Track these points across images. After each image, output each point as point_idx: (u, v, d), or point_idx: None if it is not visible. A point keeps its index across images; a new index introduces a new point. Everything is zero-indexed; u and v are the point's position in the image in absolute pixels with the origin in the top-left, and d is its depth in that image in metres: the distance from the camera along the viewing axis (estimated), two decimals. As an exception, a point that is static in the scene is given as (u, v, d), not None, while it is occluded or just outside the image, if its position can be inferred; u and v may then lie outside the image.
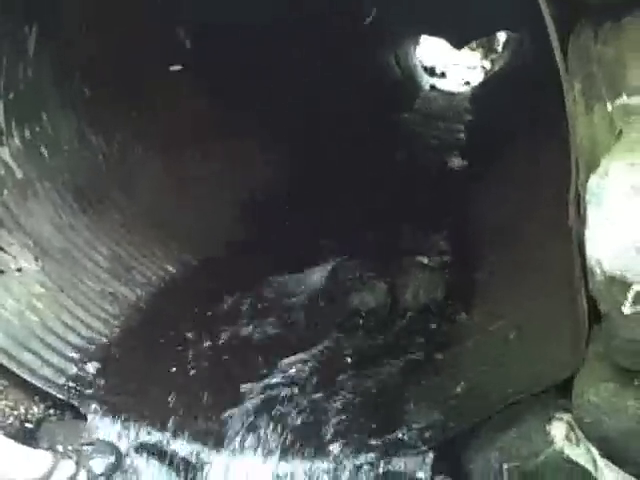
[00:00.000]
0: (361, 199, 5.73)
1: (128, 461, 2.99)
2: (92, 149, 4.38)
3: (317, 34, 7.18)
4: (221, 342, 3.71)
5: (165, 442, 3.00)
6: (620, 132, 2.36)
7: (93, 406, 3.12)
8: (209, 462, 2.96)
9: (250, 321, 3.92)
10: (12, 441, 2.83)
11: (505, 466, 2.70)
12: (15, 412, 3.09)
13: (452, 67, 15.29)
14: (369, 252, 4.70)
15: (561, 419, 2.61)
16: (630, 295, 2.09)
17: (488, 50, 16.09)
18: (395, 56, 11.81)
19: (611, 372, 2.39)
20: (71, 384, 3.22)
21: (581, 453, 2.46)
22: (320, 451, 2.95)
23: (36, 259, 3.56)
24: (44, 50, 3.87)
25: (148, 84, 4.86)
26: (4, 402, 3.08)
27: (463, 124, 9.73)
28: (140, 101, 4.82)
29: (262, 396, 3.27)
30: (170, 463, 2.98)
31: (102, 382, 3.27)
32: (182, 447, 2.98)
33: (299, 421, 3.11)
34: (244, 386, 3.32)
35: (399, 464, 2.90)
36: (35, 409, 3.15)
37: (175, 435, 3.01)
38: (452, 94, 12.65)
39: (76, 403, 3.15)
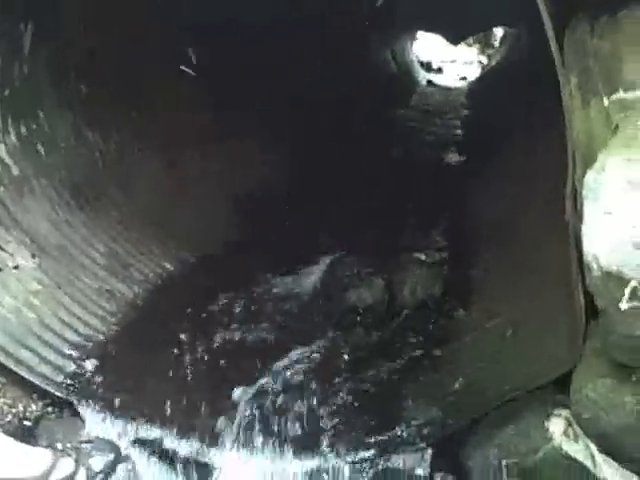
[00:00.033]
0: (358, 196, 5.74)
1: (127, 459, 2.99)
2: (89, 146, 4.37)
3: (315, 32, 7.17)
4: (218, 339, 3.70)
5: (164, 439, 3.00)
6: (616, 127, 2.36)
7: (92, 403, 3.12)
8: (208, 460, 2.96)
9: (247, 319, 3.91)
10: (11, 439, 2.83)
11: (504, 462, 2.70)
12: (13, 410, 3.08)
13: (449, 62, 15.32)
14: (366, 249, 4.70)
15: (559, 415, 2.61)
16: (627, 290, 2.09)
17: (485, 45, 16.12)
18: (392, 52, 11.81)
19: (608, 368, 2.39)
20: (69, 381, 3.22)
21: (579, 449, 2.47)
22: (318, 449, 2.95)
23: (33, 256, 3.55)
24: (40, 48, 3.86)
25: (147, 84, 4.85)
26: (2, 400, 3.08)
27: (460, 119, 9.74)
28: (139, 101, 4.81)
29: (259, 394, 3.27)
30: (169, 460, 2.98)
31: (100, 379, 3.27)
32: (180, 444, 2.98)
33: (297, 419, 3.11)
34: (241, 384, 3.32)
35: (398, 461, 2.90)
36: (34, 407, 3.15)
37: (174, 432, 3.01)
38: (449, 89, 12.67)
39: (74, 401, 3.15)
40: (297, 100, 6.63)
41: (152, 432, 3.02)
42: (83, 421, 3.09)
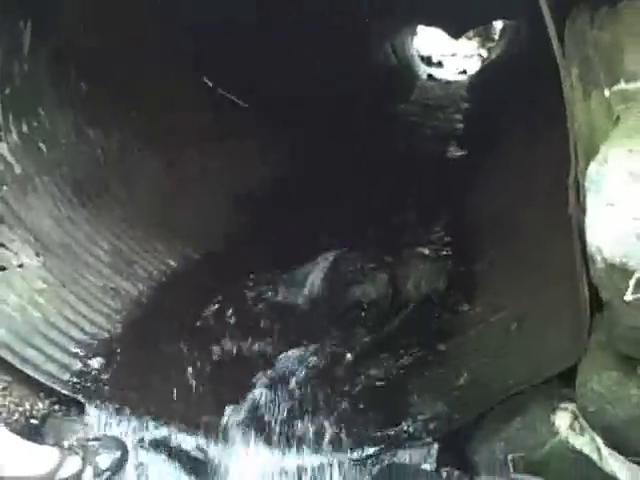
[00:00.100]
0: (360, 192, 5.73)
1: (134, 456, 2.99)
2: (90, 144, 4.38)
3: (315, 28, 7.16)
4: (223, 335, 3.71)
5: (171, 437, 3.00)
6: (618, 118, 2.36)
7: (98, 401, 3.13)
8: (214, 456, 2.97)
9: (251, 315, 3.93)
10: (18, 437, 2.83)
11: (510, 457, 2.70)
12: (20, 408, 3.08)
13: (449, 56, 15.30)
14: (369, 244, 4.70)
15: (565, 409, 2.61)
16: (632, 282, 2.09)
17: (485, 39, 16.09)
18: (392, 46, 11.80)
19: (614, 361, 2.39)
20: (75, 380, 3.22)
21: (585, 442, 2.47)
22: (324, 444, 2.96)
23: (37, 254, 3.55)
24: (40, 46, 3.87)
25: (147, 84, 4.86)
26: (9, 398, 3.08)
27: (461, 113, 9.73)
28: (138, 101, 4.81)
29: (264, 389, 3.27)
30: (176, 458, 2.98)
31: (106, 377, 3.27)
32: (187, 441, 2.99)
33: (302, 414, 3.11)
34: (245, 381, 3.33)
35: (404, 456, 2.91)
36: (40, 405, 3.15)
37: (180, 429, 3.01)
38: (449, 83, 12.65)
39: (81, 399, 3.15)
40: (297, 99, 6.62)
41: (158, 429, 3.03)
42: (90, 419, 3.10)
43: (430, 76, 13.10)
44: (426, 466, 2.88)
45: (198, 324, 3.78)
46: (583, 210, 2.30)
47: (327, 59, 7.60)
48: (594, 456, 2.42)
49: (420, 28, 13.92)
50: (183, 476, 2.97)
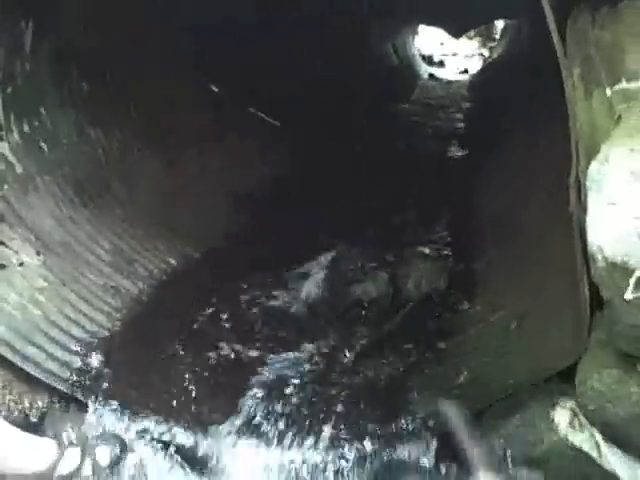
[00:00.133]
0: (360, 191, 5.73)
1: (133, 452, 3.00)
2: (91, 144, 4.39)
3: (315, 28, 7.16)
4: (223, 334, 3.72)
5: (170, 433, 3.01)
6: (619, 117, 2.36)
7: (98, 398, 3.14)
8: (212, 453, 2.97)
9: (252, 314, 3.93)
10: (19, 431, 2.84)
11: (509, 452, 2.71)
12: (19, 406, 3.09)
13: (450, 56, 15.30)
14: (370, 243, 4.70)
15: (565, 406, 2.62)
16: (632, 281, 2.09)
17: (486, 38, 16.10)
18: (393, 46, 11.80)
19: (614, 359, 2.40)
20: (75, 377, 3.23)
21: (585, 439, 2.47)
22: (323, 441, 2.96)
23: (38, 253, 3.56)
24: (41, 46, 3.87)
25: (147, 84, 4.86)
26: (8, 396, 3.09)
27: (462, 112, 9.72)
28: (139, 101, 4.82)
29: (264, 385, 3.28)
30: (174, 454, 2.99)
31: (106, 374, 3.27)
32: (186, 438, 3.00)
33: (302, 411, 3.12)
34: (245, 377, 3.34)
35: (403, 452, 2.92)
36: (39, 402, 3.16)
37: (179, 426, 3.02)
38: (450, 83, 12.65)
39: (81, 396, 3.16)
40: (297, 99, 6.63)
41: (157, 426, 3.04)
42: (89, 416, 3.10)
43: (431, 76, 13.10)
44: (425, 462, 2.88)
45: (198, 323, 3.79)
46: (584, 209, 2.30)
47: (327, 59, 7.60)
48: (593, 453, 2.42)
49: (421, 27, 13.92)
50: (181, 472, 2.98)
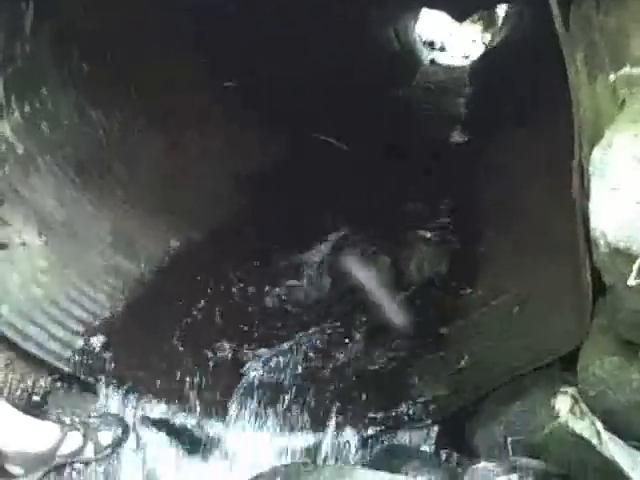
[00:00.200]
0: (363, 176, 5.72)
1: (135, 433, 3.01)
2: (92, 125, 4.37)
3: (317, 9, 7.12)
4: (224, 316, 3.73)
5: (171, 415, 3.02)
6: (623, 102, 2.36)
7: (100, 379, 3.15)
8: (214, 435, 2.98)
9: (253, 297, 3.93)
10: (21, 413, 2.85)
11: (510, 439, 2.71)
12: (22, 385, 3.10)
13: (452, 41, 15.23)
14: (372, 227, 4.69)
15: (566, 393, 2.61)
16: (635, 267, 2.08)
17: (488, 23, 16.01)
18: (395, 30, 11.74)
19: (615, 345, 2.40)
20: (77, 357, 3.25)
21: (585, 426, 2.47)
22: (324, 425, 2.97)
23: (40, 233, 3.55)
24: (42, 27, 3.85)
25: (148, 65, 4.84)
26: (11, 375, 3.10)
27: (464, 97, 9.69)
28: (140, 82, 4.80)
29: (266, 369, 3.29)
30: (176, 436, 3.00)
31: (108, 355, 3.28)
32: (188, 420, 3.01)
33: (303, 395, 3.13)
34: (248, 360, 3.35)
35: (404, 437, 2.93)
36: (42, 382, 3.17)
37: (181, 407, 3.03)
38: (452, 68, 12.60)
39: (83, 376, 3.17)
40: (298, 77, 6.61)
41: (159, 407, 3.05)
42: (92, 396, 3.12)
43: (433, 61, 13.05)
44: (425, 447, 2.89)
45: (199, 305, 3.78)
46: (587, 194, 2.30)
47: (328, 43, 7.57)
48: (594, 440, 2.42)
49: (423, 12, 13.85)
50: (183, 454, 2.99)
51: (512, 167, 5.08)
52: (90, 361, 3.24)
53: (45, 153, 3.86)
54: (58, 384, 3.20)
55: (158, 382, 3.17)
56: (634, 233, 2.08)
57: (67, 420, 2.96)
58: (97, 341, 3.34)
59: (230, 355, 3.40)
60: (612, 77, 2.44)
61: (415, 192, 5.49)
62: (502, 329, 3.23)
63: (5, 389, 3.04)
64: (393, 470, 2.65)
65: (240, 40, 5.80)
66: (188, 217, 4.52)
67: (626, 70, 2.40)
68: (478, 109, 8.40)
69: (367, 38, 9.55)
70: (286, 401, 3.07)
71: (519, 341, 3.04)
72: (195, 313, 3.72)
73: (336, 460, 2.87)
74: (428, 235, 4.63)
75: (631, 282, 2.11)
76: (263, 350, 3.42)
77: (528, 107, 5.47)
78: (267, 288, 4.04)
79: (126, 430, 3.00)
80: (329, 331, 3.60)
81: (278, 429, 2.95)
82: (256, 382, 3.20)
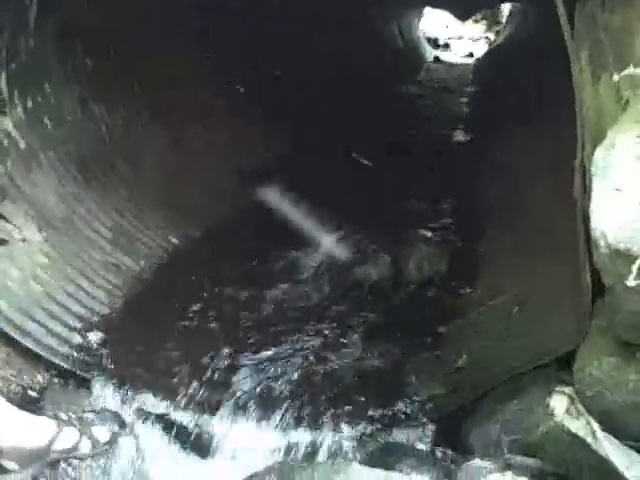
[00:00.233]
0: (365, 173, 5.71)
1: (130, 429, 3.01)
2: (95, 120, 4.38)
3: (322, 8, 7.11)
4: (222, 313, 3.72)
5: (168, 411, 3.02)
6: (627, 103, 2.35)
7: (97, 375, 3.15)
8: (210, 432, 2.98)
9: (251, 294, 3.93)
10: (17, 408, 2.84)
11: (505, 438, 2.71)
12: (19, 380, 3.10)
13: (456, 39, 15.24)
14: (373, 226, 4.68)
15: (562, 392, 2.61)
16: (634, 268, 2.08)
17: (492, 22, 16.02)
18: (399, 28, 11.74)
19: (613, 346, 2.39)
20: (75, 353, 3.25)
21: (581, 426, 2.46)
22: (321, 422, 2.97)
23: (40, 229, 3.56)
24: (45, 22, 3.85)
25: (151, 61, 4.83)
26: (8, 370, 3.09)
27: (467, 96, 9.68)
28: (143, 77, 4.79)
29: (263, 366, 3.29)
30: (173, 433, 2.99)
31: (106, 352, 3.29)
32: (185, 416, 3.00)
33: (300, 392, 3.13)
34: (246, 357, 3.34)
35: (400, 436, 2.93)
36: (39, 377, 3.16)
37: (178, 404, 3.03)
38: (455, 66, 12.59)
39: (80, 372, 3.17)
40: (302, 74, 6.60)
41: (156, 404, 3.05)
42: (88, 392, 3.11)
43: (436, 58, 13.05)
44: (422, 446, 2.89)
45: (198, 302, 3.77)
46: (588, 195, 2.29)
47: (332, 39, 7.56)
48: (589, 439, 2.42)
49: (427, 10, 13.85)
50: (179, 451, 2.98)
51: (516, 166, 5.07)
52: (87, 357, 3.24)
53: (47, 149, 3.87)
54: (55, 380, 3.19)
55: (155, 379, 3.16)
56: (634, 234, 2.07)
57: (63, 416, 2.94)
58: (95, 337, 3.34)
59: (228, 353, 3.38)
60: (616, 77, 2.43)
61: (417, 190, 5.48)
62: (501, 329, 3.23)
63: (1, 383, 3.03)
64: (388, 467, 2.65)
65: (244, 35, 5.79)
66: (190, 213, 4.52)
67: (630, 70, 2.39)
68: (482, 107, 8.40)
69: (371, 34, 9.55)
70: (283, 399, 3.07)
71: (518, 341, 3.03)
72: (193, 310, 3.70)
73: (332, 457, 2.87)
74: (429, 234, 4.62)
75: (631, 283, 2.10)
76: (261, 349, 3.41)
77: (532, 105, 5.46)
78: (268, 287, 4.03)
79: (122, 426, 3.00)
80: (326, 331, 3.59)
81: (274, 427, 2.94)
82: (253, 380, 3.19)
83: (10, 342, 3.15)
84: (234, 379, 3.19)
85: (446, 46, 14.59)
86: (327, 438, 2.89)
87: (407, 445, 2.90)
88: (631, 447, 2.38)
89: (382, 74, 8.84)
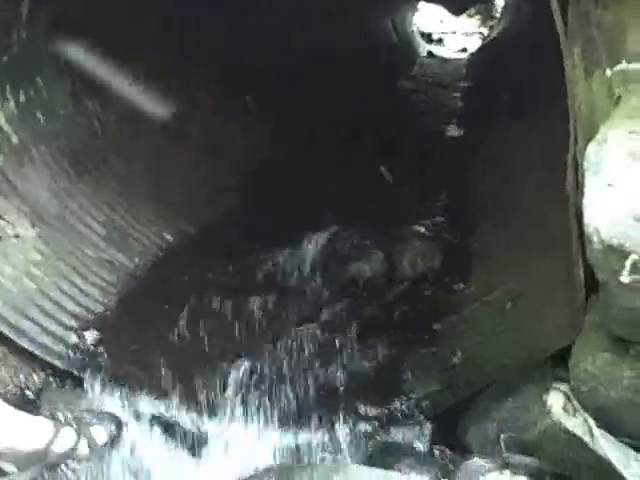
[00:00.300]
0: (357, 169, 5.70)
1: (128, 430, 3.00)
2: (88, 115, 4.36)
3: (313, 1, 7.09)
4: (218, 311, 3.71)
5: (165, 411, 3.01)
6: (619, 98, 2.36)
7: (94, 374, 3.14)
8: (208, 432, 2.97)
9: (247, 292, 3.92)
10: (13, 409, 2.82)
11: (502, 436, 2.71)
12: (15, 380, 3.09)
13: (449, 34, 15.22)
14: (366, 222, 4.67)
15: (558, 390, 2.61)
16: (628, 264, 2.09)
17: (486, 17, 16.00)
18: (392, 22, 11.71)
19: (607, 342, 2.40)
20: (71, 352, 3.24)
21: (578, 424, 2.47)
22: (319, 422, 2.97)
23: (33, 225, 3.54)
24: (38, 14, 3.83)
25: (144, 56, 4.81)
26: (4, 370, 3.08)
27: (460, 91, 9.67)
28: (133, 72, 4.77)
29: (260, 366, 3.28)
30: (171, 433, 2.99)
31: (102, 350, 3.28)
32: (181, 416, 3.00)
33: (296, 392, 3.13)
34: (241, 356, 3.34)
35: (397, 434, 2.93)
36: (35, 377, 3.16)
37: (174, 404, 3.02)
38: (449, 61, 12.58)
39: (76, 371, 3.16)
40: (295, 70, 6.58)
41: (153, 404, 3.04)
42: (85, 392, 3.10)
43: (430, 53, 13.03)
44: (419, 444, 2.89)
45: (193, 298, 3.76)
46: (581, 190, 2.29)
47: (324, 34, 7.54)
48: (586, 438, 2.42)
49: (421, 4, 13.82)
50: (178, 451, 2.98)
51: (509, 160, 5.07)
52: (84, 356, 3.24)
53: (40, 144, 3.85)
54: (51, 380, 3.19)
55: (152, 377, 3.16)
56: (627, 230, 2.08)
57: (60, 416, 2.91)
58: (91, 336, 3.33)
59: (225, 351, 3.38)
60: (608, 73, 2.44)
61: (410, 185, 5.47)
62: (495, 325, 3.23)
63: (-1, 384, 3.03)
64: (386, 467, 2.66)
65: (227, 27, 5.74)
66: (183, 210, 4.51)
67: (622, 66, 2.40)
68: (475, 102, 8.38)
69: (364, 29, 9.52)
70: (279, 399, 3.06)
71: (512, 337, 3.03)
72: (188, 308, 3.69)
73: (330, 457, 2.87)
74: (422, 230, 4.61)
75: (624, 279, 2.11)
76: (257, 347, 3.40)
77: (525, 100, 5.46)
78: (261, 283, 4.03)
79: (119, 426, 2.98)
80: (322, 327, 3.58)
81: (271, 427, 2.94)
82: (250, 380, 3.18)
83: (5, 341, 3.14)
84: (231, 378, 3.18)
85: (440, 41, 14.57)
86: (324, 438, 2.90)
87: (405, 444, 2.91)
88: (627, 444, 2.39)
89: (375, 68, 8.82)
